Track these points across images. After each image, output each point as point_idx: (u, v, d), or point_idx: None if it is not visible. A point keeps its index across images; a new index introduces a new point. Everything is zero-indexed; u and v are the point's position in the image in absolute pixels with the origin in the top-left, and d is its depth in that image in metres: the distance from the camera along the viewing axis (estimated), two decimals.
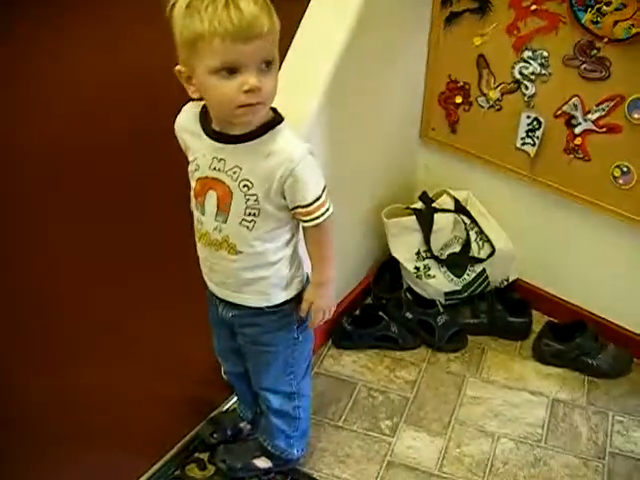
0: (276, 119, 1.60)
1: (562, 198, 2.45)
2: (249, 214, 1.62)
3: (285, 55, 1.99)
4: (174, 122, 1.72)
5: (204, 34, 1.42)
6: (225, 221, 1.64)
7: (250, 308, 1.79)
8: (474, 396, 2.44)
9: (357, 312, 2.64)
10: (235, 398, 2.32)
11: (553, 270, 2.63)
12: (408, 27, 2.42)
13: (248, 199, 1.61)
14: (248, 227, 1.64)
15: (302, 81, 1.64)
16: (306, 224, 1.67)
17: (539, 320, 2.67)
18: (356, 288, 2.69)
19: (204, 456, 2.23)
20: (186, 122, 1.68)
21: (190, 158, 1.68)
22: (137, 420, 2.25)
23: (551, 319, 2.65)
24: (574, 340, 2.50)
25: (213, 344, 2.07)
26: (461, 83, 2.50)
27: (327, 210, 1.65)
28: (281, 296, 1.79)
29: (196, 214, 1.71)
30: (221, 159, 1.61)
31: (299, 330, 1.87)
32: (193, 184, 1.68)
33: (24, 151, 3.28)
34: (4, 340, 2.43)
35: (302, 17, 2.15)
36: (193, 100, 1.62)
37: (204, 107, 1.63)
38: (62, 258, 2.78)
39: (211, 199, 1.64)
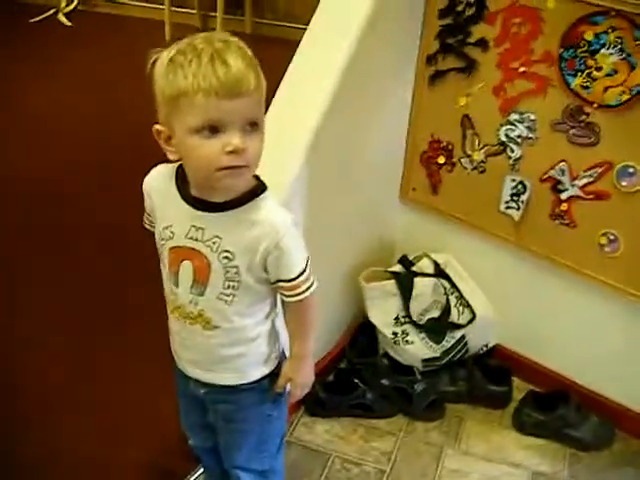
0: (259, 187, 1.49)
1: (546, 264, 2.39)
2: (228, 287, 1.51)
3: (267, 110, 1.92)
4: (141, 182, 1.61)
5: (187, 90, 1.33)
6: (202, 294, 1.52)
7: (223, 386, 1.67)
8: (453, 469, 2.34)
9: (331, 377, 2.54)
10: (201, 470, 2.19)
11: (535, 337, 2.55)
12: (391, 84, 2.37)
13: (228, 271, 1.49)
14: (226, 301, 1.52)
15: (283, 139, 1.56)
16: (289, 299, 1.57)
17: (519, 387, 2.58)
18: (331, 352, 2.59)
19: None
20: (159, 183, 1.56)
21: (161, 224, 1.54)
22: None
23: (532, 387, 2.56)
24: (556, 411, 2.42)
25: (180, 416, 1.94)
26: (444, 143, 2.44)
27: (311, 285, 1.55)
28: (258, 372, 1.68)
29: (168, 285, 1.58)
30: (199, 228, 1.48)
31: (274, 406, 1.76)
32: (165, 253, 1.55)
33: None
34: None
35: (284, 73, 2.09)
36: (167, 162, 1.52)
37: (180, 168, 1.52)
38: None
39: (186, 270, 1.52)
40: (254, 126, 1.39)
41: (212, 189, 1.45)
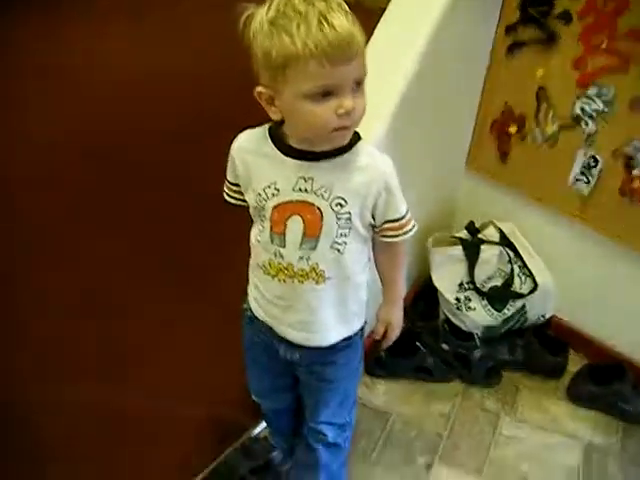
0: (356, 133, 1.51)
1: (611, 240, 2.40)
2: (340, 235, 1.52)
3: None
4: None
5: (298, 56, 1.31)
6: (314, 247, 1.53)
7: (322, 347, 1.69)
8: (509, 436, 2.38)
9: None
10: (264, 425, 2.23)
11: (593, 311, 2.58)
12: (469, 52, 2.36)
13: (339, 218, 1.50)
14: (339, 250, 1.54)
15: (370, 102, 1.56)
16: (395, 239, 1.59)
17: (574, 360, 2.61)
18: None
19: None
20: (251, 144, 1.55)
21: (259, 185, 1.53)
22: (162, 443, 2.17)
23: (587, 361, 2.58)
24: (611, 385, 2.44)
25: (249, 384, 1.97)
26: (517, 113, 2.44)
27: (414, 223, 1.60)
28: (357, 324, 1.72)
29: (269, 249, 1.57)
30: (308, 178, 1.48)
31: (360, 359, 1.81)
32: (266, 214, 1.54)
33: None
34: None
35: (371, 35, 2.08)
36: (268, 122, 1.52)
37: (271, 128, 1.53)
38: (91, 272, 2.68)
39: (295, 226, 1.52)
40: (360, 84, 1.40)
41: (319, 144, 1.46)
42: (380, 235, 1.60)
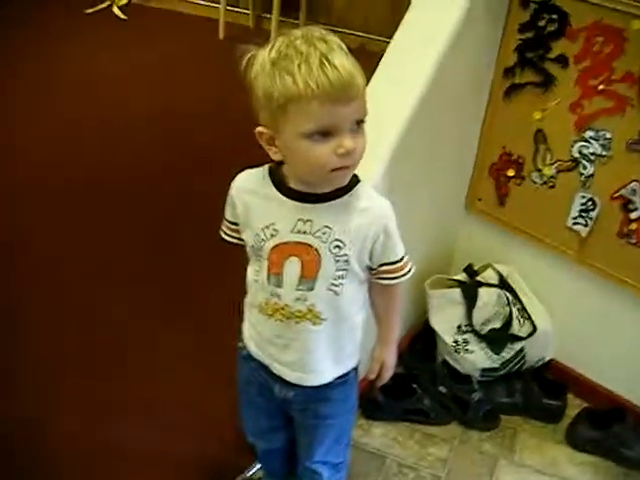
0: (355, 175, 1.51)
1: (610, 282, 2.39)
2: (338, 277, 1.52)
3: None
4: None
5: (300, 96, 1.32)
6: (312, 288, 1.53)
7: (317, 385, 1.69)
8: None
9: (388, 382, 2.54)
10: (259, 466, 2.21)
11: (593, 354, 2.56)
12: (468, 95, 2.37)
13: (338, 260, 1.51)
14: (336, 291, 1.54)
15: (369, 141, 1.57)
16: (392, 282, 1.60)
17: (573, 404, 2.59)
18: None
19: None
20: (251, 186, 1.56)
21: (258, 226, 1.53)
22: None
23: (586, 404, 2.57)
24: (611, 429, 2.42)
25: (244, 425, 1.95)
26: (515, 156, 2.45)
27: (411, 265, 1.60)
28: (351, 363, 1.72)
29: (266, 290, 1.57)
30: (307, 220, 1.49)
31: (356, 397, 1.81)
32: (264, 254, 1.54)
33: None
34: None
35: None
36: (270, 162, 1.53)
37: (270, 169, 1.54)
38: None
39: (292, 267, 1.52)
40: (360, 124, 1.41)
41: (319, 185, 1.47)
42: (377, 277, 1.61)
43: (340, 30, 4.81)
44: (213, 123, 3.61)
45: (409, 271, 1.60)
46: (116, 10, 5.37)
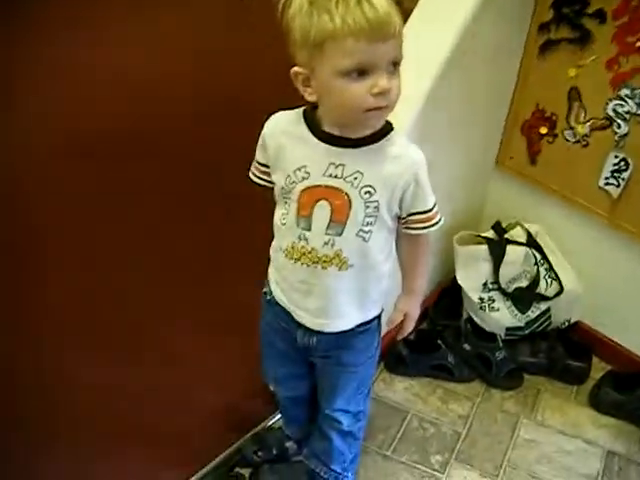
0: (389, 123, 1.50)
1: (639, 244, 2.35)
2: (367, 224, 1.52)
3: None
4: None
5: (336, 33, 1.32)
6: (340, 233, 1.52)
7: (340, 331, 1.69)
8: (528, 439, 2.35)
9: (412, 337, 2.54)
10: (279, 415, 2.22)
11: (620, 317, 2.53)
12: (501, 51, 2.34)
13: (368, 206, 1.50)
14: (365, 238, 1.53)
15: (404, 88, 1.56)
16: (421, 231, 1.58)
17: (597, 366, 2.58)
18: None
19: (245, 472, 2.15)
20: (286, 125, 1.55)
21: (289, 167, 1.53)
22: (176, 429, 2.14)
23: (610, 367, 2.55)
24: (635, 392, 2.40)
25: (265, 371, 1.95)
26: (548, 113, 2.41)
27: (441, 216, 1.59)
28: (375, 311, 1.72)
29: (294, 232, 1.56)
30: (339, 165, 1.48)
31: (377, 346, 1.80)
32: (294, 197, 1.54)
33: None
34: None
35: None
36: (305, 104, 1.52)
37: (305, 111, 1.52)
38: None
39: (322, 210, 1.51)
40: (396, 66, 1.40)
41: (351, 127, 1.46)
42: (405, 227, 1.59)
43: None
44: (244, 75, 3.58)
45: (438, 221, 1.59)
46: None
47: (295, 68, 1.43)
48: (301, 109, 1.54)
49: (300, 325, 1.71)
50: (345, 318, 1.68)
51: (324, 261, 1.56)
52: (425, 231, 1.59)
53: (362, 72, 1.35)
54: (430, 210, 1.56)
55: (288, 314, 1.72)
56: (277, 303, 1.74)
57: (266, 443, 2.17)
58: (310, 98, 1.46)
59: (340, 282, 1.60)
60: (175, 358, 2.30)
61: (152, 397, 2.19)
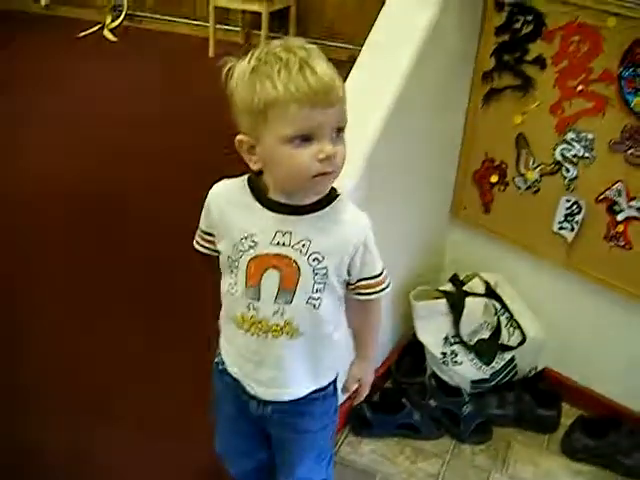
0: (334, 189, 1.49)
1: (599, 286, 2.34)
2: (316, 290, 1.49)
3: None
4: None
5: (278, 100, 1.32)
6: (290, 301, 1.49)
7: (295, 399, 1.65)
8: None
9: (376, 397, 2.50)
10: None
11: (586, 361, 2.50)
12: (446, 102, 2.34)
13: (317, 273, 1.47)
14: (315, 305, 1.50)
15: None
16: (371, 296, 1.57)
17: (568, 413, 2.53)
18: (377, 371, 2.53)
19: None
20: (230, 194, 1.53)
21: (236, 237, 1.49)
22: None
23: (581, 412, 2.51)
24: (607, 437, 2.36)
25: (218, 448, 1.88)
26: (498, 162, 2.41)
27: (389, 281, 1.57)
28: (329, 377, 1.68)
29: (243, 303, 1.53)
30: (287, 232, 1.46)
31: (335, 411, 1.76)
32: (242, 267, 1.50)
33: None
34: None
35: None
36: (246, 173, 1.50)
37: (250, 179, 1.50)
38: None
39: (270, 279, 1.49)
40: (340, 131, 1.39)
41: (298, 195, 1.45)
42: (355, 293, 1.57)
43: (330, 44, 4.83)
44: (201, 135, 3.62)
45: (387, 286, 1.57)
46: (107, 33, 5.39)
47: (239, 136, 1.43)
48: (245, 177, 1.52)
49: (252, 396, 1.66)
50: (298, 386, 1.63)
51: (274, 330, 1.53)
52: (374, 296, 1.57)
53: (307, 138, 1.35)
54: (379, 275, 1.55)
55: (240, 385, 1.67)
56: (228, 372, 1.69)
57: None
58: (255, 167, 1.45)
59: (292, 351, 1.56)
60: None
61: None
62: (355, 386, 1.74)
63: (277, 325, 1.52)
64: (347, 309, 1.62)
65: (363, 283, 1.54)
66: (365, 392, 1.76)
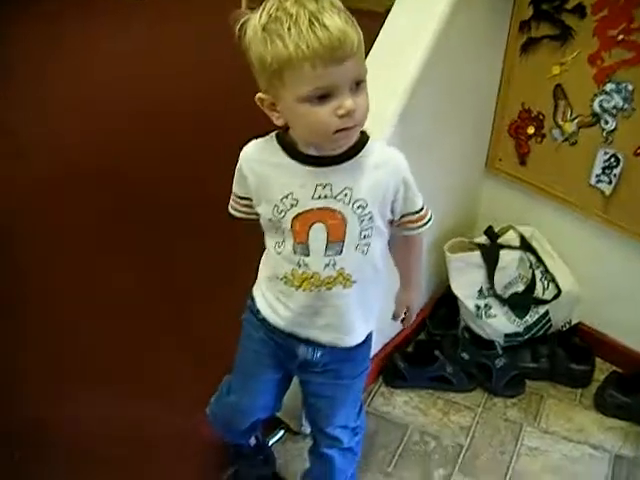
0: (364, 132, 1.48)
1: (635, 241, 2.30)
2: (364, 237, 1.50)
3: None
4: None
5: (291, 60, 1.30)
6: (340, 252, 1.50)
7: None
8: (532, 447, 2.29)
9: (410, 349, 2.50)
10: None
11: (621, 317, 2.47)
12: (483, 51, 2.29)
13: (362, 220, 1.48)
14: (364, 251, 1.52)
15: (375, 104, 1.51)
16: (414, 231, 1.59)
17: (601, 368, 2.52)
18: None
19: None
20: (261, 154, 1.51)
21: (275, 197, 1.49)
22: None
23: (614, 368, 2.49)
24: None
25: (237, 400, 1.86)
26: (535, 113, 2.36)
27: (431, 213, 1.60)
28: (373, 323, 1.70)
29: (292, 260, 1.53)
30: (327, 184, 1.45)
31: (370, 358, 1.79)
32: (287, 225, 1.50)
33: None
34: None
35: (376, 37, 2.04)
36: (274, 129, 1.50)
37: (278, 136, 1.50)
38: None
39: (318, 233, 1.49)
40: (360, 84, 1.37)
41: (327, 147, 1.44)
42: (399, 229, 1.59)
43: None
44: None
45: (430, 219, 1.60)
46: None
47: (259, 94, 1.42)
48: (273, 134, 1.51)
49: (304, 340, 1.66)
50: (356, 332, 1.66)
51: (327, 283, 1.54)
52: (418, 230, 1.60)
53: (324, 95, 1.33)
54: (421, 209, 1.57)
55: (289, 334, 1.66)
56: (270, 324, 1.68)
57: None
58: (279, 122, 1.44)
59: (347, 300, 1.58)
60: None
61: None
62: (403, 312, 1.81)
63: (330, 277, 1.53)
64: (392, 246, 1.64)
65: (407, 219, 1.56)
66: (413, 317, 1.83)
